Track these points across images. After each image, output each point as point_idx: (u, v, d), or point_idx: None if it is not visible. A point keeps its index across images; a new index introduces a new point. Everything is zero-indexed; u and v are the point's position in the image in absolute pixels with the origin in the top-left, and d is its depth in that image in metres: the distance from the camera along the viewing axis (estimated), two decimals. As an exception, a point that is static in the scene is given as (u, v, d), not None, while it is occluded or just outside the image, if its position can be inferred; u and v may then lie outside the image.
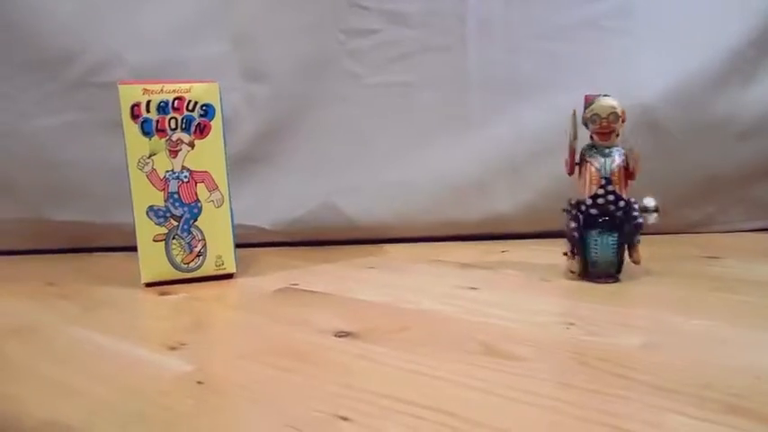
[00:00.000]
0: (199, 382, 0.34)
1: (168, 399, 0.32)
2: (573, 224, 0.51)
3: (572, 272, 0.53)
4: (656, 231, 0.74)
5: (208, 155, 0.56)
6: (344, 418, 0.29)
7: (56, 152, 0.69)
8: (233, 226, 0.58)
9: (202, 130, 0.55)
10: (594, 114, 0.50)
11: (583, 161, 0.52)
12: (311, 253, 0.70)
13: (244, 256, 0.66)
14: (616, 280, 0.52)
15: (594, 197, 0.50)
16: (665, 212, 0.75)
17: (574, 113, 0.52)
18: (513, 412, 0.29)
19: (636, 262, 0.51)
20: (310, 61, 0.73)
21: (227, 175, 0.57)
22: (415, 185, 0.74)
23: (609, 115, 0.50)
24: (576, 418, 0.28)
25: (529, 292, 0.51)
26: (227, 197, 0.57)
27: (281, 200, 0.73)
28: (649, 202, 0.52)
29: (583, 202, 0.51)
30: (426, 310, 0.47)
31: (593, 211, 0.51)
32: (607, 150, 0.51)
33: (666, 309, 0.45)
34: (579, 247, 0.52)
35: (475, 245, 0.72)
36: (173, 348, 0.40)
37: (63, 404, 0.31)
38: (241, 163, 0.72)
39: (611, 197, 0.50)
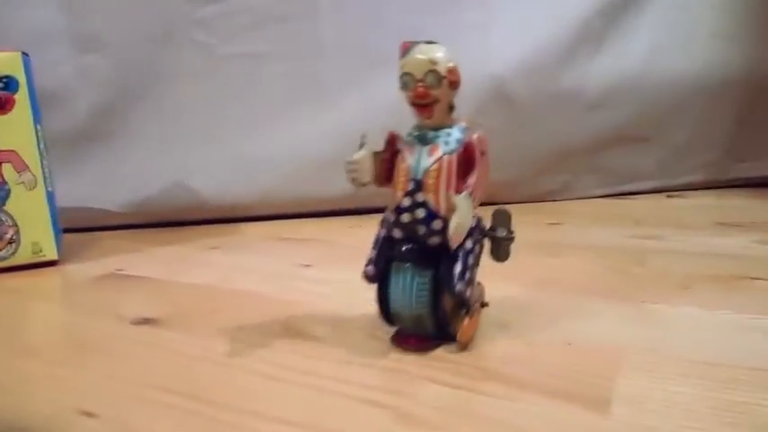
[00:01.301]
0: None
1: None
2: (367, 264, 0.33)
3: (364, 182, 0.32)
4: (510, 201, 0.76)
5: (13, 132, 0.51)
6: (90, 414, 0.27)
7: None
8: (54, 209, 0.54)
9: (4, 106, 0.50)
10: (405, 74, 0.30)
11: (397, 153, 0.32)
12: (156, 235, 0.66)
13: (80, 241, 0.62)
14: (431, 345, 0.32)
15: (398, 210, 0.31)
16: (522, 183, 0.77)
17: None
18: (287, 395, 0.28)
19: (461, 342, 0.32)
20: (152, 30, 0.68)
21: (42, 154, 0.52)
22: (271, 161, 0.71)
23: (426, 75, 0.30)
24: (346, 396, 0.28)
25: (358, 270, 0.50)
26: (40, 178, 0.52)
27: (127, 180, 0.69)
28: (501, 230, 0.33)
29: (389, 218, 0.32)
30: (245, 291, 0.45)
31: (397, 232, 0.31)
32: (431, 135, 0.31)
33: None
34: (380, 285, 0.32)
35: (334, 221, 0.71)
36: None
37: None
38: (78, 141, 0.67)
39: (420, 213, 0.30)
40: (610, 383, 0.27)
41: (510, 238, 0.33)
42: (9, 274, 0.52)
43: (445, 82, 0.30)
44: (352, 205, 0.73)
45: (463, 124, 0.32)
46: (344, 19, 0.71)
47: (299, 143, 0.71)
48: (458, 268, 0.30)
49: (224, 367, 0.32)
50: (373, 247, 0.33)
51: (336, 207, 0.73)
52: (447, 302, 0.31)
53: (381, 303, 0.33)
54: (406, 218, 0.31)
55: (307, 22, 0.71)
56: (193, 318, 0.40)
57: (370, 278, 0.32)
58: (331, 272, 0.50)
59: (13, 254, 0.52)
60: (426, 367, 0.30)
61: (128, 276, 0.50)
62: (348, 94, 0.71)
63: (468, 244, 0.31)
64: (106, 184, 0.68)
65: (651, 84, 0.76)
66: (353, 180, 0.31)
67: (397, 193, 0.31)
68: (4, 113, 0.50)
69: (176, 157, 0.70)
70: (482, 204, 0.31)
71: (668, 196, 0.76)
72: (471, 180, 0.30)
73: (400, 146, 0.32)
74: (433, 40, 0.31)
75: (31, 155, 0.52)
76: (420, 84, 0.30)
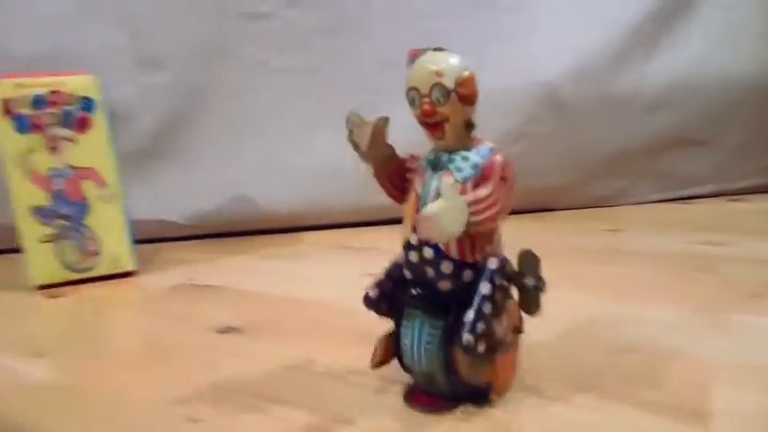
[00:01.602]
0: (58, 389, 0.33)
1: (27, 405, 0.31)
2: (371, 288, 0.29)
3: (375, 363, 0.30)
4: (563, 207, 0.76)
5: (92, 150, 0.53)
6: (194, 420, 0.29)
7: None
8: (129, 222, 0.56)
9: (83, 125, 0.53)
10: (411, 89, 0.26)
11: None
12: (221, 245, 0.69)
13: (150, 252, 0.65)
14: (447, 405, 0.28)
15: (407, 248, 0.27)
16: (575, 188, 0.77)
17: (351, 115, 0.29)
18: (373, 402, 0.29)
19: (497, 393, 0.28)
20: (209, 48, 0.70)
21: (118, 170, 0.55)
22: (325, 171, 0.73)
23: (432, 89, 0.25)
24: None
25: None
26: (118, 193, 0.55)
27: (190, 193, 0.71)
28: (530, 277, 0.28)
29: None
30: (316, 300, 0.46)
31: (407, 272, 0.28)
32: (444, 159, 0.27)
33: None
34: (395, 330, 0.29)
35: (390, 229, 0.72)
36: (41, 356, 0.38)
37: None
38: (144, 156, 0.70)
39: (428, 252, 0.27)
40: (703, 395, 0.27)
41: (538, 288, 0.27)
42: (91, 285, 0.54)
43: (454, 96, 0.25)
44: (398, 214, 0.74)
45: (487, 145, 0.27)
46: (391, 31, 0.72)
47: (352, 153, 0.73)
48: (469, 316, 0.25)
49: (312, 375, 0.33)
50: (385, 271, 0.29)
51: (391, 216, 0.74)
52: (461, 360, 0.26)
53: (396, 351, 0.29)
54: (413, 257, 0.27)
55: (354, 36, 0.72)
56: (272, 326, 0.41)
57: (369, 302, 0.28)
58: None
59: (96, 265, 0.55)
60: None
61: (200, 286, 0.53)
62: (398, 104, 0.72)
63: (485, 288, 0.26)
64: (170, 198, 0.71)
65: (705, 86, 0.75)
66: (349, 135, 0.28)
67: (408, 227, 0.27)
68: (83, 133, 0.53)
69: (235, 169, 0.72)
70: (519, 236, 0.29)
71: (729, 200, 0.75)
72: (481, 192, 0.25)
73: (412, 168, 0.28)
74: (443, 47, 0.26)
75: (108, 171, 0.54)
76: (426, 99, 0.26)
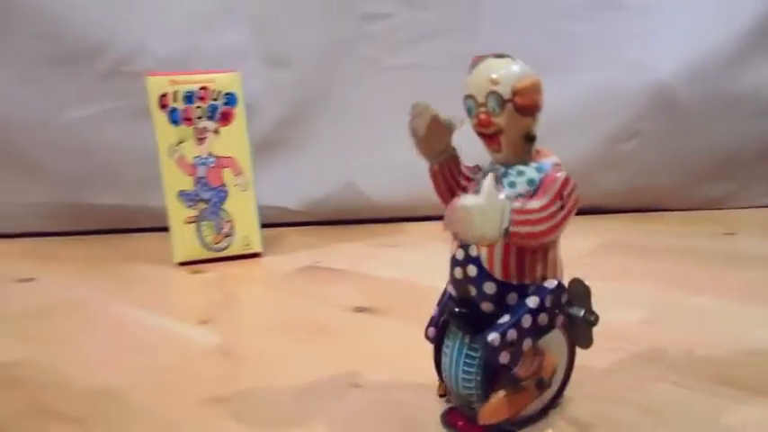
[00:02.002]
0: (225, 354, 0.37)
1: (199, 369, 0.35)
2: (429, 325, 0.29)
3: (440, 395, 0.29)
4: (672, 208, 0.75)
5: (232, 141, 0.59)
6: (357, 385, 0.32)
7: (91, 139, 0.72)
8: (258, 207, 0.61)
9: (226, 118, 0.58)
10: (468, 97, 0.25)
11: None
12: (332, 232, 0.73)
13: (269, 236, 0.69)
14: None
15: (452, 263, 0.26)
16: (685, 190, 0.76)
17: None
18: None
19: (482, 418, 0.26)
20: (328, 46, 0.75)
21: (251, 159, 0.60)
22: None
23: (487, 98, 0.24)
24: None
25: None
26: (251, 181, 0.60)
27: (304, 181, 0.76)
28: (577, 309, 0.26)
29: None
30: (436, 287, 0.49)
31: (451, 288, 0.27)
32: (500, 173, 0.25)
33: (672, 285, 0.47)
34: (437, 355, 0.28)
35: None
36: (204, 322, 0.43)
37: (109, 374, 0.35)
38: (265, 147, 0.75)
39: (471, 270, 0.25)
40: None
41: (589, 322, 0.26)
42: (225, 263, 0.60)
43: (510, 107, 0.24)
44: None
45: (550, 160, 0.25)
46: (505, 29, 0.74)
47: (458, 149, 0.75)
48: (505, 318, 0.24)
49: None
50: (438, 303, 0.28)
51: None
52: (506, 386, 0.25)
53: (437, 370, 0.28)
54: (458, 273, 0.26)
55: (468, 34, 0.74)
56: (401, 308, 0.45)
57: (432, 341, 0.28)
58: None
59: (229, 246, 0.60)
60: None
61: (326, 269, 0.57)
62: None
63: (532, 302, 0.24)
64: (285, 185, 0.76)
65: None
66: (411, 122, 0.27)
67: (456, 242, 0.26)
68: (226, 125, 0.58)
69: (347, 160, 0.76)
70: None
71: None
72: (532, 203, 0.23)
73: (469, 177, 0.27)
74: (505, 54, 0.25)
75: (244, 161, 0.59)
76: (482, 109, 0.24)
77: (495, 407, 0.25)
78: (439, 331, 0.27)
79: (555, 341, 0.26)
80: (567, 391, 0.28)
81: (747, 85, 0.71)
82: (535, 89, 0.24)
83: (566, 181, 0.24)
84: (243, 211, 0.60)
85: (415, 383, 0.31)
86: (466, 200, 0.22)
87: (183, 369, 0.36)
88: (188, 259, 0.59)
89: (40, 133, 0.72)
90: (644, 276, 0.49)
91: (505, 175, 0.25)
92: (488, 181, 0.22)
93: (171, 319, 0.45)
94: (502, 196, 0.23)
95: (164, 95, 0.56)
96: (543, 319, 0.25)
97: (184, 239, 0.59)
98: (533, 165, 0.25)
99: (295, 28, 0.74)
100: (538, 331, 0.25)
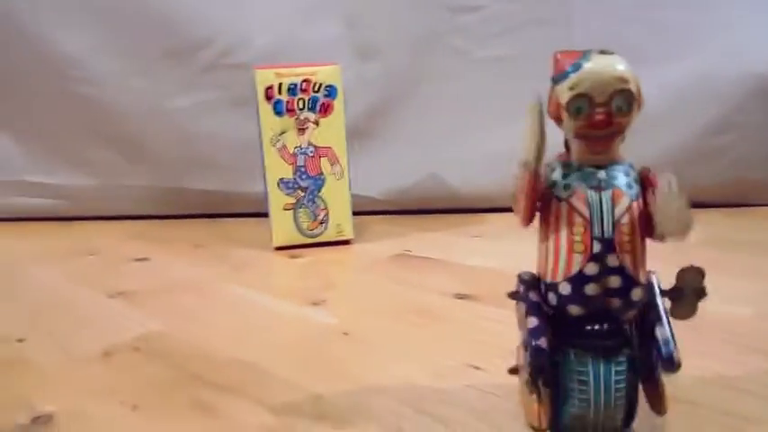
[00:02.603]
0: (345, 333, 0.40)
1: (324, 346, 0.38)
2: (537, 337, 0.24)
3: (534, 428, 0.26)
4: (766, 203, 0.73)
5: (331, 132, 0.61)
6: (477, 368, 0.34)
7: (193, 128, 0.77)
8: (350, 196, 0.64)
9: (326, 110, 0.61)
10: (579, 96, 0.23)
11: (550, 200, 0.25)
12: (418, 221, 0.75)
13: (356, 224, 0.72)
14: None
15: (579, 280, 0.24)
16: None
17: (539, 106, 0.24)
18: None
19: (660, 413, 0.25)
20: (418, 39, 0.76)
21: (347, 149, 0.62)
22: (517, 157, 0.76)
23: (613, 96, 0.23)
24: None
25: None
26: (346, 170, 0.63)
27: (390, 171, 0.78)
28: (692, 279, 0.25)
29: (554, 289, 0.25)
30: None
31: (575, 308, 0.24)
32: (602, 175, 0.24)
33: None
34: (548, 383, 0.25)
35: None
36: (315, 304, 0.46)
37: (242, 347, 0.38)
38: (353, 136, 0.77)
39: (614, 281, 0.24)
40: None
41: (701, 291, 0.25)
42: (319, 249, 0.63)
43: (636, 105, 0.23)
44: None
45: (622, 158, 0.25)
46: (596, 19, 0.73)
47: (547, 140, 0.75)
48: (665, 332, 0.24)
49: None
50: (530, 329, 0.25)
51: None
52: (653, 391, 0.25)
53: (554, 402, 0.25)
54: (592, 289, 0.24)
55: (560, 25, 0.74)
56: (498, 297, 0.46)
57: (540, 369, 0.24)
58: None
59: (323, 232, 0.63)
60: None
61: (417, 257, 0.59)
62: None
63: (661, 301, 0.25)
64: (372, 175, 0.78)
65: None
66: (537, 119, 0.24)
67: (573, 258, 0.24)
68: (326, 116, 0.61)
69: (431, 151, 0.78)
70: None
71: None
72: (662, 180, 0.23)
73: (559, 191, 0.24)
74: (608, 49, 0.24)
75: (341, 151, 0.62)
76: (602, 108, 0.23)
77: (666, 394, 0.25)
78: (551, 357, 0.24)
79: None
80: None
81: None
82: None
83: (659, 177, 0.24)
84: (337, 200, 0.63)
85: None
86: (675, 198, 0.23)
87: (311, 345, 0.38)
88: (285, 244, 0.62)
89: (148, 122, 0.77)
90: (749, 271, 0.49)
91: (614, 178, 0.24)
92: (669, 177, 0.23)
93: (282, 300, 0.48)
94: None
95: (269, 87, 0.59)
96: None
97: (283, 225, 0.62)
98: (625, 163, 0.24)
99: (386, 21, 0.76)
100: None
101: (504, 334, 0.38)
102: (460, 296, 0.46)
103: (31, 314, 0.46)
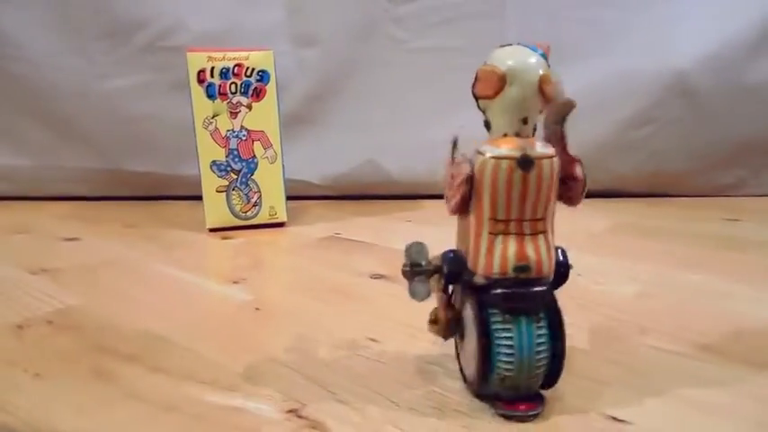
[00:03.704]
0: (257, 309, 0.42)
1: (233, 320, 0.40)
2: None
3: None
4: (682, 194, 0.77)
5: (263, 116, 0.62)
6: (374, 340, 0.36)
7: (129, 109, 0.77)
8: (284, 180, 0.65)
9: (258, 94, 0.62)
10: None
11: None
12: (354, 206, 0.77)
13: (293, 208, 0.73)
14: (542, 406, 0.28)
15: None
16: (695, 176, 0.78)
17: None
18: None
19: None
20: (357, 27, 0.78)
21: (280, 134, 0.64)
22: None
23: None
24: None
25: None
26: (279, 154, 0.64)
27: (328, 157, 0.80)
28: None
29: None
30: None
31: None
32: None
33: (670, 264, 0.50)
34: (485, 348, 0.27)
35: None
36: (235, 282, 0.47)
37: (153, 321, 0.39)
38: (292, 122, 0.79)
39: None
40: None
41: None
42: (252, 231, 0.64)
43: None
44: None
45: (491, 151, 0.27)
46: (528, 14, 0.76)
47: (474, 130, 0.78)
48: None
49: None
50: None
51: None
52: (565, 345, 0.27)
53: (482, 366, 0.27)
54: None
55: (493, 19, 0.77)
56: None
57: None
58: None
59: (256, 215, 0.64)
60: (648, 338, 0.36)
61: (346, 239, 0.61)
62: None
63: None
64: (310, 160, 0.80)
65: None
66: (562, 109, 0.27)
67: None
68: (258, 101, 0.62)
69: (369, 138, 0.80)
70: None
71: None
72: (450, 166, 0.28)
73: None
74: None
75: (274, 134, 0.63)
76: None
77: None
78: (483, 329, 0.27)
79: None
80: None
81: (764, 75, 0.73)
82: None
83: (457, 168, 0.27)
84: (270, 183, 0.64)
85: (428, 340, 0.35)
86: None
87: (221, 319, 0.40)
88: (218, 226, 0.64)
89: (82, 101, 0.77)
90: (644, 255, 0.52)
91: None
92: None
93: (206, 279, 0.49)
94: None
95: (202, 71, 0.60)
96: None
97: (216, 207, 0.63)
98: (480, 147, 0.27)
99: (325, 8, 0.77)
100: None
101: (405, 310, 0.41)
102: (376, 276, 0.48)
103: (-51, 290, 0.46)
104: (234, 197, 0.64)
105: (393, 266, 0.50)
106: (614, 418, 0.27)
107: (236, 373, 0.32)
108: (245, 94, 0.61)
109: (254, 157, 0.63)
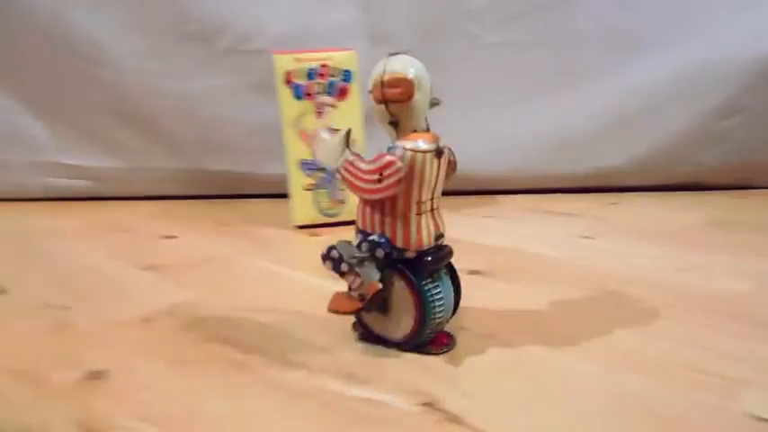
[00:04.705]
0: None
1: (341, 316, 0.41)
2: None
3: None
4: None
5: (348, 114, 0.64)
6: (491, 336, 0.37)
7: (211, 111, 0.80)
8: (367, 177, 0.66)
9: (343, 93, 0.63)
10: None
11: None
12: (431, 202, 0.77)
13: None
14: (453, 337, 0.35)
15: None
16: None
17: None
18: (616, 337, 0.35)
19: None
20: (430, 23, 0.78)
21: (364, 131, 0.65)
22: (526, 139, 0.78)
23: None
24: (687, 345, 0.34)
25: (641, 241, 0.56)
26: (363, 152, 0.65)
27: (402, 153, 0.81)
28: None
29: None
30: (541, 254, 0.53)
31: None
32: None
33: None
34: (423, 305, 0.33)
35: (583, 197, 0.77)
36: (335, 278, 0.49)
37: (266, 314, 0.41)
38: (367, 120, 0.80)
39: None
40: None
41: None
42: (337, 228, 0.65)
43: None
44: (598, 184, 0.78)
45: (411, 144, 0.33)
46: (601, 4, 0.75)
47: (555, 123, 0.77)
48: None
49: (564, 310, 0.40)
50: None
51: (585, 185, 0.78)
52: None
53: (422, 319, 0.33)
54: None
55: (568, 11, 0.76)
56: (511, 273, 0.49)
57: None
58: (616, 243, 0.55)
59: (341, 213, 0.66)
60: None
61: (431, 235, 0.61)
62: (606, 76, 0.75)
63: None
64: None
65: None
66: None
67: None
68: (342, 100, 0.63)
69: (442, 134, 0.80)
70: None
71: None
72: (361, 164, 0.33)
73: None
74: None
75: (358, 133, 0.64)
76: None
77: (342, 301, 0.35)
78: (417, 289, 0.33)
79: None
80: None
81: None
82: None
83: (389, 163, 0.31)
84: (354, 180, 0.65)
85: (542, 334, 0.36)
86: (323, 132, 0.33)
87: (329, 313, 0.41)
88: (306, 223, 0.65)
89: (166, 103, 0.80)
90: (744, 249, 0.51)
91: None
92: (343, 130, 0.33)
93: (305, 274, 0.51)
94: (340, 143, 0.33)
95: (288, 72, 0.62)
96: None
97: (303, 205, 0.65)
98: (394, 144, 0.32)
99: (399, 5, 0.78)
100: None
101: (510, 305, 0.41)
102: (473, 272, 0.49)
103: (73, 285, 0.49)
104: (321, 195, 0.65)
105: (489, 263, 0.51)
106: None
107: (358, 364, 0.33)
108: (330, 93, 0.63)
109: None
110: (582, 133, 0.77)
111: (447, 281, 0.34)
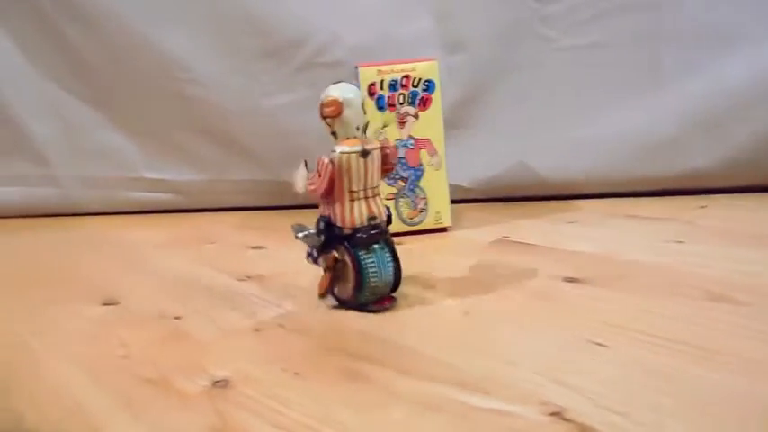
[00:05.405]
0: (466, 312, 0.43)
1: (450, 324, 0.41)
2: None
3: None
4: None
5: (429, 124, 0.64)
6: (600, 344, 0.36)
7: (290, 124, 0.82)
8: (448, 185, 0.67)
9: (425, 103, 0.64)
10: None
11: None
12: (509, 209, 0.77)
13: (451, 212, 0.75)
14: (395, 301, 0.45)
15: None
16: None
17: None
18: (738, 344, 0.34)
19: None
20: (505, 29, 0.78)
21: (444, 140, 0.65)
22: (607, 143, 0.77)
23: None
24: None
25: (736, 245, 0.54)
26: (443, 160, 0.66)
27: (478, 160, 0.81)
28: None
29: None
30: (635, 261, 0.52)
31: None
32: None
33: None
34: (359, 271, 0.43)
35: (668, 200, 0.74)
36: (433, 287, 0.49)
37: (372, 324, 0.42)
38: (444, 128, 0.80)
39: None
40: None
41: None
42: (419, 236, 0.66)
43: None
44: (684, 186, 0.75)
45: (344, 148, 0.43)
46: (688, 4, 0.73)
47: (636, 126, 0.76)
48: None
49: (674, 320, 0.39)
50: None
51: (670, 187, 0.76)
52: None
53: (359, 283, 0.42)
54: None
55: (649, 10, 0.74)
56: (609, 280, 0.48)
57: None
58: (709, 247, 0.54)
59: (423, 220, 0.66)
60: None
61: (516, 243, 0.61)
62: (690, 76, 0.73)
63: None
64: (462, 164, 0.81)
65: None
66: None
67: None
68: (425, 110, 0.64)
69: (519, 140, 0.80)
70: None
71: None
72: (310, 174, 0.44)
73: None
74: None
75: (439, 142, 0.65)
76: None
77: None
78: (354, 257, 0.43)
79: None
80: None
81: None
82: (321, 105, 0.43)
83: (320, 162, 0.42)
84: (436, 189, 0.66)
85: (651, 342, 0.35)
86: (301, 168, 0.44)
87: (437, 324, 0.42)
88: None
89: (247, 118, 0.83)
90: None
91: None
92: (302, 162, 0.44)
93: (402, 285, 0.51)
94: (304, 172, 0.44)
95: (372, 84, 0.63)
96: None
97: (385, 214, 0.66)
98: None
99: (473, 12, 0.78)
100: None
101: (614, 313, 0.41)
102: (568, 279, 0.48)
103: (181, 294, 0.51)
104: (402, 204, 0.66)
105: (582, 270, 0.50)
106: None
107: (479, 376, 0.33)
108: (412, 103, 0.64)
109: (421, 164, 0.65)
110: (665, 134, 0.74)
111: (383, 254, 0.43)
